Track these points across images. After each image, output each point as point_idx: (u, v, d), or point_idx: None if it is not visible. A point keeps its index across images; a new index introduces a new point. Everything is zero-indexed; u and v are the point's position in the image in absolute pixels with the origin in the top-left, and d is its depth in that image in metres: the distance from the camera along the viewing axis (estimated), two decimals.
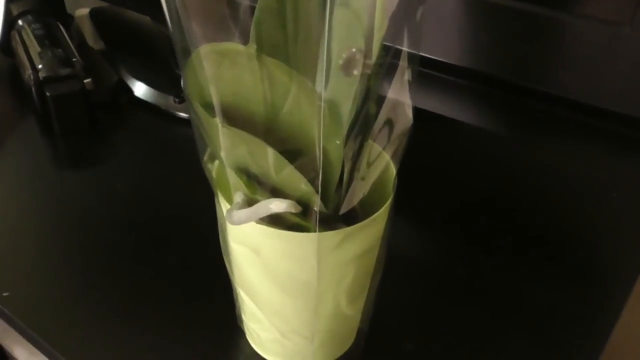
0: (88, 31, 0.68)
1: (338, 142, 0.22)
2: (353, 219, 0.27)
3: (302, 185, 0.22)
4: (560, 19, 0.36)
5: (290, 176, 0.22)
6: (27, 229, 0.44)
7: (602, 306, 0.38)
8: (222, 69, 0.20)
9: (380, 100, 0.28)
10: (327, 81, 0.22)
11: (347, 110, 0.25)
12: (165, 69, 0.59)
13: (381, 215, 0.28)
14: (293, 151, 0.22)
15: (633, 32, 0.34)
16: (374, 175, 0.26)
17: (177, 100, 0.55)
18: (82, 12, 0.71)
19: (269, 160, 0.21)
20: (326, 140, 0.21)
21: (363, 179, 0.24)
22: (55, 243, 0.43)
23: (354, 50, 0.26)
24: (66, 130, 0.53)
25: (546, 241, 0.43)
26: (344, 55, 0.26)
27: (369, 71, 0.26)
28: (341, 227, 0.27)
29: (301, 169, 0.22)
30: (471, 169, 0.48)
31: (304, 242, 0.25)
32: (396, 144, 0.27)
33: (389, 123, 0.28)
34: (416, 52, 0.28)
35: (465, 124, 0.43)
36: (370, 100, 0.27)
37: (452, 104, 0.43)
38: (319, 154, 0.21)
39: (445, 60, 0.41)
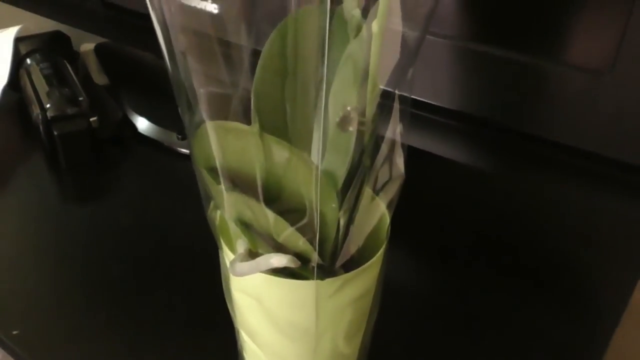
0: (93, 66, 0.70)
1: (334, 205, 0.23)
2: (350, 263, 0.29)
3: (300, 243, 0.24)
4: (544, 67, 0.38)
5: (290, 236, 0.23)
6: (34, 263, 0.45)
7: (592, 332, 0.39)
8: (226, 141, 0.21)
9: (375, 153, 0.29)
10: (323, 154, 0.23)
11: (343, 163, 0.27)
12: (168, 105, 0.60)
13: (376, 261, 0.29)
14: (292, 211, 0.23)
15: (612, 80, 0.36)
16: (369, 226, 0.27)
17: (179, 136, 0.56)
18: (87, 47, 0.73)
19: (269, 222, 0.23)
20: (322, 205, 0.22)
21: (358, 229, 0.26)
22: (62, 278, 0.44)
23: (349, 108, 0.28)
24: (72, 166, 0.54)
25: (536, 271, 0.44)
26: (340, 113, 0.28)
27: (363, 127, 0.28)
28: (339, 273, 0.28)
29: (300, 229, 0.23)
30: (463, 205, 0.49)
31: (304, 290, 0.27)
32: (390, 195, 0.29)
33: (384, 175, 0.29)
34: (407, 108, 0.29)
35: (457, 162, 0.44)
36: (365, 154, 0.28)
37: (445, 144, 0.45)
38: (316, 217, 0.23)
39: (437, 104, 0.42)
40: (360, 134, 0.28)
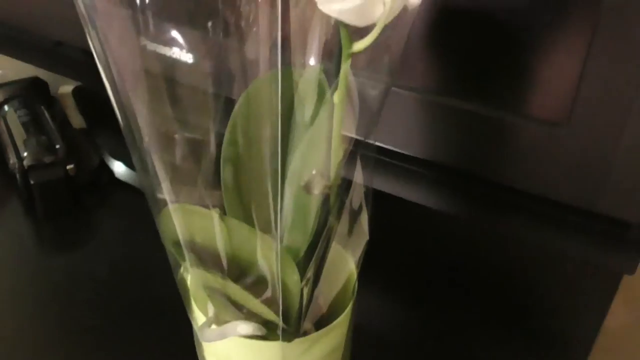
0: (70, 108, 0.71)
1: (295, 277, 0.24)
2: (319, 320, 0.29)
3: (265, 312, 0.24)
4: (505, 119, 0.39)
5: (255, 306, 0.24)
6: (10, 312, 0.45)
7: None
8: (190, 222, 0.22)
9: (340, 212, 0.30)
10: (282, 233, 0.24)
11: (310, 224, 0.28)
12: None
13: (344, 318, 0.30)
14: (257, 282, 0.24)
15: (569, 131, 0.37)
16: (337, 286, 0.28)
17: None
18: (65, 89, 0.73)
19: (235, 294, 0.24)
20: (285, 277, 0.23)
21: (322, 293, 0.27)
22: (39, 327, 0.44)
23: (314, 172, 0.29)
24: (49, 213, 0.55)
25: (510, 310, 0.46)
26: (305, 178, 0.29)
27: (328, 190, 0.29)
28: (309, 330, 0.29)
29: (265, 301, 0.24)
30: (433, 249, 0.51)
31: (272, 351, 0.27)
32: (357, 255, 0.29)
33: (349, 235, 0.30)
34: (370, 154, 0.30)
35: (426, 207, 0.45)
36: (330, 215, 0.29)
37: (414, 190, 0.46)
38: (278, 289, 0.23)
39: (406, 153, 0.43)
40: (325, 196, 0.29)
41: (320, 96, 0.30)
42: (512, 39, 0.37)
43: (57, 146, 0.55)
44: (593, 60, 0.34)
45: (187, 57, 0.33)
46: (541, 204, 0.41)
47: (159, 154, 0.23)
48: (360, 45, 0.26)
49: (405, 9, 0.25)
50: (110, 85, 0.26)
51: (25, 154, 0.53)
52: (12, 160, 0.54)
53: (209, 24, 0.32)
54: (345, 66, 0.27)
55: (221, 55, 0.33)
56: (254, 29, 0.32)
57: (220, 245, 0.23)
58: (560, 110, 0.37)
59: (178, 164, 0.23)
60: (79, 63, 0.68)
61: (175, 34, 0.31)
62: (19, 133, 0.56)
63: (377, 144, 0.32)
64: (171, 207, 0.22)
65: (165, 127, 0.25)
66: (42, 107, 0.61)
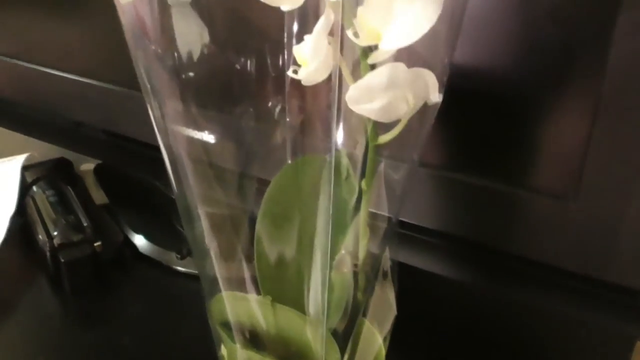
0: (92, 186, 0.73)
1: (336, 356, 0.26)
2: None
3: None
4: (516, 193, 0.41)
5: None
6: None
7: None
8: (241, 307, 0.24)
9: (368, 289, 0.32)
10: (329, 316, 0.26)
11: (342, 302, 0.30)
12: (167, 225, 0.63)
13: None
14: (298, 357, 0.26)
15: (579, 204, 0.39)
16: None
17: (178, 256, 0.59)
18: (87, 167, 0.76)
19: None
20: (327, 357, 0.25)
21: None
22: None
23: (343, 252, 0.31)
24: (76, 290, 0.56)
25: None
26: (336, 257, 0.31)
27: (356, 269, 0.31)
28: None
29: None
30: (450, 316, 0.52)
31: None
32: (385, 330, 0.31)
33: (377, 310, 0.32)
34: (394, 259, 0.33)
35: (444, 277, 0.47)
36: (358, 291, 0.31)
37: (430, 260, 0.48)
38: None
39: (422, 225, 0.45)
40: (354, 274, 0.31)
41: (347, 180, 0.32)
42: (521, 119, 0.40)
43: (85, 224, 0.57)
44: (598, 137, 0.37)
45: (224, 141, 0.36)
46: (554, 273, 0.42)
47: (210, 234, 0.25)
48: (385, 137, 0.28)
49: (426, 105, 0.28)
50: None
51: (55, 233, 0.55)
52: (43, 238, 0.56)
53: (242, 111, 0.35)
54: (372, 156, 0.29)
55: (254, 139, 0.36)
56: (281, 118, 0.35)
57: (268, 328, 0.25)
58: (570, 185, 0.39)
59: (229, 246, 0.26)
60: (99, 142, 0.71)
61: (214, 122, 0.35)
62: (47, 213, 0.59)
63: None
64: (224, 294, 0.24)
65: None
66: (68, 186, 0.64)
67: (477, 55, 0.39)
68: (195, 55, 0.29)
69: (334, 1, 0.23)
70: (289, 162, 0.35)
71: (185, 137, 0.35)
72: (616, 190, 0.37)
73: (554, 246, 0.41)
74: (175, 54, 0.29)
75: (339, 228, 0.31)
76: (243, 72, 0.32)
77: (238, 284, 0.25)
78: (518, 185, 0.41)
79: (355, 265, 0.31)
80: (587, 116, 0.36)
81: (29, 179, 0.64)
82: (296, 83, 0.29)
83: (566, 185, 0.40)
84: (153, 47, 0.27)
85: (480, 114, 0.41)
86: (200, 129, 0.35)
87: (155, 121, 0.32)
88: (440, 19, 0.23)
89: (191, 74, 0.30)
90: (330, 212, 0.28)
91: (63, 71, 0.63)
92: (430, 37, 0.23)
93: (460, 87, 0.40)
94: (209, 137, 0.36)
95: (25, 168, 0.65)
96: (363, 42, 0.24)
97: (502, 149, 0.41)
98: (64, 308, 0.56)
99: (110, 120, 0.63)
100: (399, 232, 0.47)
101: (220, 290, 0.24)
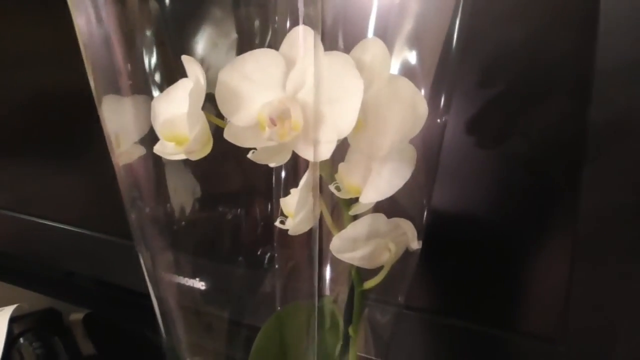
0: (80, 335, 0.72)
1: None
2: None
3: None
4: (508, 337, 0.42)
5: None
6: None
7: None
8: None
9: None
10: None
11: None
12: None
13: None
14: None
15: (565, 349, 0.40)
16: None
17: None
18: (76, 317, 0.76)
19: None
20: None
21: None
22: None
23: None
24: None
25: None
26: None
27: None
28: None
29: None
30: None
31: None
32: None
33: None
34: None
35: None
36: None
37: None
38: None
39: None
40: None
41: (334, 325, 0.33)
42: (507, 266, 0.41)
43: None
44: (578, 281, 0.38)
45: (214, 289, 0.37)
46: None
47: None
48: (370, 283, 0.29)
49: (407, 251, 0.29)
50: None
51: None
52: None
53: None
54: (358, 301, 0.30)
55: (244, 287, 0.37)
56: (270, 266, 0.36)
57: None
58: (557, 328, 0.40)
59: None
60: (90, 292, 0.72)
61: (205, 271, 0.36)
62: None
63: None
64: None
65: None
66: (56, 336, 0.63)
67: (463, 207, 0.42)
68: (188, 209, 0.31)
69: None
70: (279, 308, 0.35)
71: (176, 285, 0.36)
72: (601, 331, 0.38)
73: None
74: (169, 208, 0.31)
75: None
76: (234, 223, 0.33)
77: None
78: (509, 330, 0.42)
79: None
80: (565, 262, 0.38)
81: (16, 331, 0.63)
82: (284, 232, 0.30)
83: (553, 328, 0.40)
84: (147, 208, 0.29)
85: (468, 261, 0.43)
86: (191, 277, 0.36)
87: (147, 272, 0.34)
88: (415, 173, 0.25)
89: (183, 225, 0.32)
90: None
91: (55, 221, 0.65)
92: (408, 188, 0.25)
93: (451, 237, 0.42)
94: (199, 285, 0.37)
95: (13, 319, 0.64)
96: (344, 195, 0.26)
97: (491, 295, 0.43)
98: None
99: (102, 269, 0.64)
100: None
101: None
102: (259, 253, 0.35)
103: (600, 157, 0.36)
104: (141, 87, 0.25)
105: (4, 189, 0.70)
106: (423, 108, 0.23)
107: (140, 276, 0.55)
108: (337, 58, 0.22)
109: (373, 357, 0.34)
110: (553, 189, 0.38)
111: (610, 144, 0.35)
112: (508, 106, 0.38)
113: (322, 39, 0.23)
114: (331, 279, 0.33)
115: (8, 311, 0.65)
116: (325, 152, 0.21)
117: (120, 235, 0.60)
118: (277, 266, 0.35)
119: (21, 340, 0.63)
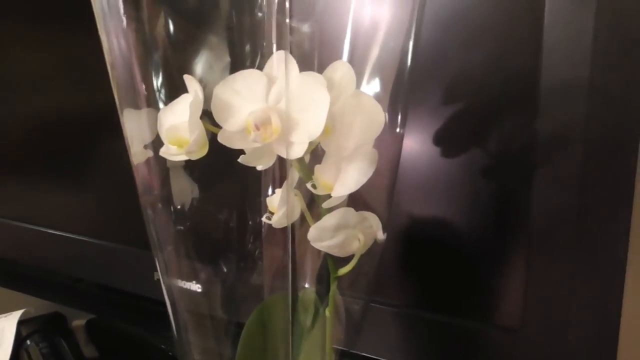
0: (83, 340, 0.76)
1: None
2: None
3: None
4: (465, 326, 0.46)
5: None
6: None
7: None
8: None
9: None
10: None
11: None
12: None
13: None
14: None
15: (524, 336, 0.44)
16: None
17: None
18: (79, 323, 0.80)
19: None
20: None
21: None
22: None
23: None
24: None
25: None
26: None
27: None
28: None
29: None
30: None
31: None
32: None
33: None
34: None
35: None
36: None
37: None
38: None
39: None
40: None
41: (315, 311, 0.37)
42: (474, 266, 0.46)
43: None
44: (534, 277, 0.43)
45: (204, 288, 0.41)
46: None
47: None
48: (343, 270, 0.34)
49: (375, 242, 0.34)
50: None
51: None
52: None
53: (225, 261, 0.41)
54: (333, 287, 0.35)
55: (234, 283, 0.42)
56: (259, 262, 0.40)
57: None
58: (516, 318, 0.45)
59: None
60: (94, 298, 0.76)
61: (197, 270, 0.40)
62: None
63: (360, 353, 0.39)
64: None
65: None
66: (61, 338, 0.68)
67: (431, 211, 0.46)
68: (187, 207, 0.36)
69: (295, 164, 0.31)
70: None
71: (178, 285, 0.41)
72: (554, 320, 0.43)
73: None
74: (172, 207, 0.36)
75: (310, 351, 0.36)
76: (226, 221, 0.38)
77: None
78: (475, 320, 0.46)
79: None
80: (522, 260, 0.43)
81: (24, 333, 0.67)
82: (271, 231, 0.35)
83: (514, 319, 0.45)
84: (159, 202, 0.34)
85: (437, 261, 0.47)
86: (190, 279, 0.41)
87: (161, 273, 0.38)
88: (378, 173, 0.30)
89: (187, 223, 0.37)
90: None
91: (62, 231, 0.70)
92: (373, 187, 0.30)
93: (421, 239, 0.47)
94: (196, 286, 0.42)
95: (21, 322, 0.69)
96: (319, 192, 0.31)
97: (458, 291, 0.47)
98: None
99: (106, 275, 0.68)
100: None
101: None
102: (249, 247, 0.40)
103: (548, 165, 0.41)
104: (152, 102, 0.30)
105: (16, 201, 0.74)
106: (381, 117, 0.28)
107: (141, 281, 0.61)
108: (309, 77, 0.27)
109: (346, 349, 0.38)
110: (508, 194, 0.43)
111: (555, 152, 0.40)
112: (468, 120, 0.43)
113: (302, 62, 0.28)
114: (310, 269, 0.37)
115: (17, 315, 0.70)
116: (299, 151, 0.27)
117: (122, 243, 0.64)
118: (263, 261, 0.40)
119: (28, 341, 0.67)
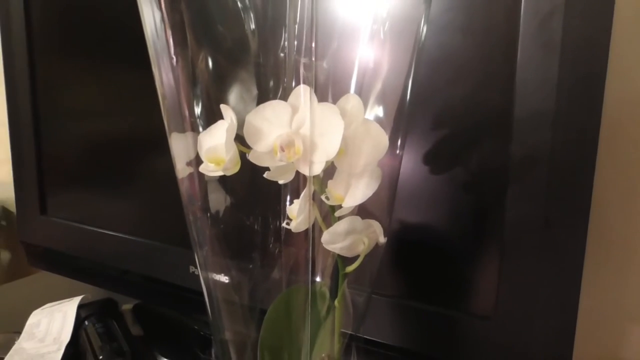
0: (130, 321, 0.75)
1: None
2: None
3: None
4: (448, 314, 0.45)
5: None
6: None
7: None
8: None
9: None
10: None
11: None
12: (190, 352, 0.64)
13: None
14: None
15: (497, 324, 0.43)
16: None
17: None
18: (127, 307, 0.78)
19: None
20: None
21: None
22: None
23: (323, 355, 0.34)
24: None
25: None
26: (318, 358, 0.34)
27: None
28: None
29: None
30: None
31: None
32: None
33: None
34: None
35: None
36: None
37: None
38: None
39: (381, 341, 0.48)
40: None
41: (324, 301, 0.36)
42: (454, 263, 0.45)
43: (125, 349, 0.59)
44: (506, 273, 0.42)
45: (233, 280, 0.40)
46: None
47: None
48: (350, 268, 0.33)
49: (377, 245, 0.33)
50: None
51: (101, 357, 0.57)
52: None
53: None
54: (342, 282, 0.34)
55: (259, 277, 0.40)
56: (279, 260, 0.39)
57: None
58: (490, 308, 0.43)
59: None
60: (140, 285, 0.74)
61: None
62: (95, 341, 0.60)
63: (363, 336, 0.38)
64: None
65: None
66: (113, 320, 0.66)
67: (421, 219, 0.45)
68: (221, 213, 0.35)
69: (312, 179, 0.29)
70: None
71: (213, 277, 0.39)
72: (523, 310, 0.41)
73: (481, 354, 0.44)
74: (208, 214, 0.35)
75: (322, 337, 0.35)
76: (252, 225, 0.37)
77: None
78: (454, 309, 0.45)
79: None
80: (496, 259, 0.42)
81: (82, 315, 0.66)
82: (289, 234, 0.34)
83: (488, 308, 0.44)
84: (199, 210, 0.33)
85: (425, 260, 0.46)
86: (223, 271, 0.40)
87: (200, 267, 0.37)
88: (381, 187, 0.29)
89: (221, 227, 0.36)
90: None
91: (114, 231, 0.69)
92: (376, 199, 0.29)
93: (412, 242, 0.46)
94: (227, 278, 0.41)
95: (80, 306, 0.67)
96: (332, 203, 0.30)
97: (441, 284, 0.46)
98: None
99: (149, 268, 0.67)
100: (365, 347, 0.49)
101: None
102: (270, 247, 0.39)
103: (519, 181, 0.40)
104: (194, 126, 0.29)
105: (77, 207, 0.73)
106: (385, 141, 0.27)
107: (178, 272, 0.59)
108: (326, 107, 0.26)
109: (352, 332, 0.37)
110: (486, 205, 0.42)
111: (526, 171, 0.39)
112: (452, 144, 0.42)
113: (316, 93, 0.27)
114: (322, 266, 0.36)
115: (77, 300, 0.68)
116: (318, 169, 0.25)
117: (162, 241, 0.63)
118: (282, 259, 0.39)
119: (86, 322, 0.65)
